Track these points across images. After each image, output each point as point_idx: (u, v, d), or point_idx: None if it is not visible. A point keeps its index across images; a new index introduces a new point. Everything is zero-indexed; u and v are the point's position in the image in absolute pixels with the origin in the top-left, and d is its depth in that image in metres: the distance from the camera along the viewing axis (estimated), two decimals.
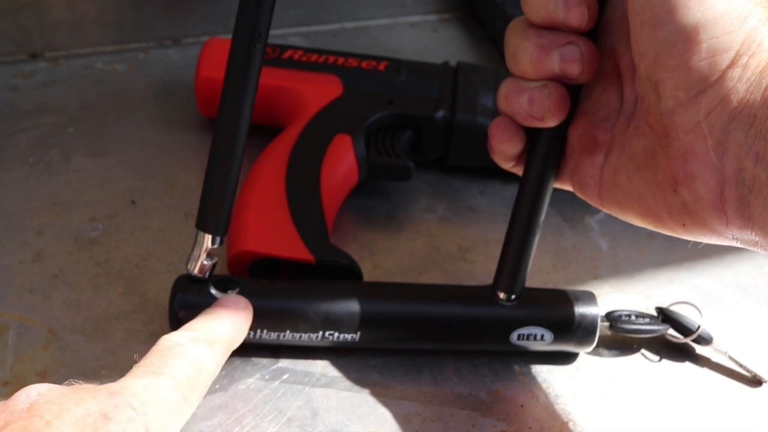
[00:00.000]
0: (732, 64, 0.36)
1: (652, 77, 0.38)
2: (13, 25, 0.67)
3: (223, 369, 0.44)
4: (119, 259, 0.53)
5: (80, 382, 0.38)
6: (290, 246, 0.50)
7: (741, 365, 0.51)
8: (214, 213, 0.44)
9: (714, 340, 0.51)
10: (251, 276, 0.51)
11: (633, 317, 0.51)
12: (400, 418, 0.47)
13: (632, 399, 0.49)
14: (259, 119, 0.61)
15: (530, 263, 0.47)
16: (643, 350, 0.52)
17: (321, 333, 0.47)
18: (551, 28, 0.42)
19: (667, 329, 0.51)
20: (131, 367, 0.40)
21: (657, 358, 0.51)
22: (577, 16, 0.41)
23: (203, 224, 0.44)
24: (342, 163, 0.56)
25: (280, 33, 0.74)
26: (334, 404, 0.47)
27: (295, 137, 0.56)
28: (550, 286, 0.52)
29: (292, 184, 0.53)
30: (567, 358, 0.51)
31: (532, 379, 0.49)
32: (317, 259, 0.50)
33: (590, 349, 0.49)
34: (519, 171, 0.46)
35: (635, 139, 0.41)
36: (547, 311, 0.48)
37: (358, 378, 0.49)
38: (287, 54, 0.62)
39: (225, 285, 0.47)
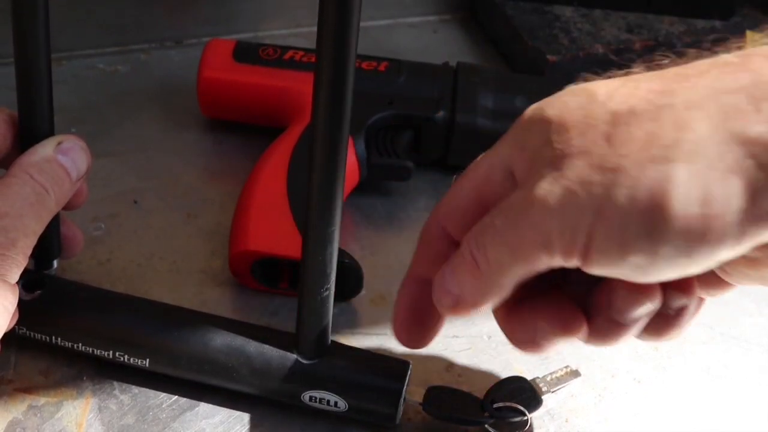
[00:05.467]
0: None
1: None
2: None
3: None
4: (122, 259, 0.54)
5: None
6: (291, 245, 0.50)
7: None
8: None
9: None
10: (252, 276, 0.52)
11: (453, 399, 0.45)
12: None
13: (631, 399, 0.49)
14: (261, 120, 0.62)
15: (330, 320, 0.43)
16: None
17: (111, 352, 0.45)
18: None
19: (490, 422, 0.45)
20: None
21: None
22: None
23: None
24: None
25: (280, 33, 0.74)
26: None
27: (296, 138, 0.56)
28: None
29: (293, 184, 0.53)
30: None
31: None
32: None
33: (394, 423, 0.44)
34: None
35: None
36: (344, 378, 0.44)
37: None
38: (288, 55, 0.62)
39: (32, 285, 0.46)
